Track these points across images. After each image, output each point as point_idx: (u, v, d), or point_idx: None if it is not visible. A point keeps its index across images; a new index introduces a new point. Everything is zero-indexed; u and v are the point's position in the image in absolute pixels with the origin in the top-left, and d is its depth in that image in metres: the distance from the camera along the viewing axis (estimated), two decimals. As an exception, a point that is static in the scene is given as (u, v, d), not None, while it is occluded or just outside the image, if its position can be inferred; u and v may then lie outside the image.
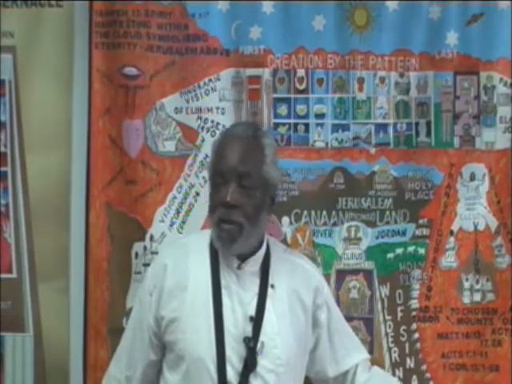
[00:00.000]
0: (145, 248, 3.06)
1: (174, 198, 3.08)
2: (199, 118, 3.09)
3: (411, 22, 3.14)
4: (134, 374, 2.41)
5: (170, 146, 3.09)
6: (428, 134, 3.17)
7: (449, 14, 3.15)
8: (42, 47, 3.05)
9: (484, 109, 3.18)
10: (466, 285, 3.16)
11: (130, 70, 3.06)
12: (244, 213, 2.27)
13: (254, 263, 2.35)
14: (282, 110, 3.14)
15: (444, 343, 3.15)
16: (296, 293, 2.38)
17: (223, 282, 2.32)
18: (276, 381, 2.29)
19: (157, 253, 3.00)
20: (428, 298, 3.15)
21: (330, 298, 2.51)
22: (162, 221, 3.07)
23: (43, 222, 3.05)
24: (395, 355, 3.14)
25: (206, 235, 2.41)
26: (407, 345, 3.14)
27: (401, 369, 3.14)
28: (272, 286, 2.35)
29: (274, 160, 2.36)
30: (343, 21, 3.14)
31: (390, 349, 3.13)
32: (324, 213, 3.14)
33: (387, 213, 3.16)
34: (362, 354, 2.54)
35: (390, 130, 3.16)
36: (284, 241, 3.06)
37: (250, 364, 2.26)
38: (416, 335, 3.14)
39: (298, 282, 2.40)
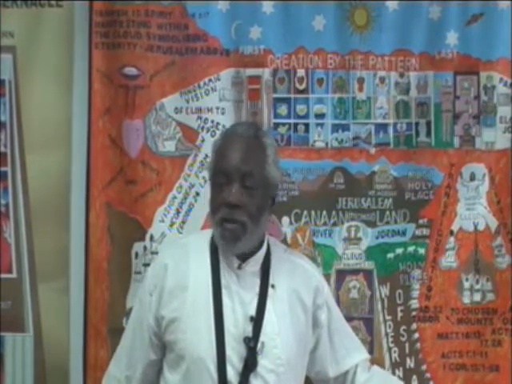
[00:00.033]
0: (145, 248, 3.06)
1: (174, 197, 3.08)
2: (199, 117, 3.09)
3: (411, 22, 3.14)
4: (134, 373, 2.41)
5: (169, 146, 3.09)
6: (428, 133, 3.17)
7: (449, 13, 3.15)
8: (42, 47, 3.05)
9: (484, 109, 3.18)
10: (466, 285, 3.16)
11: (130, 70, 3.06)
12: (247, 212, 2.27)
13: (255, 263, 2.35)
14: (282, 109, 3.14)
15: (444, 343, 3.15)
16: (296, 293, 2.38)
17: (223, 281, 2.33)
18: (276, 381, 2.29)
19: (157, 253, 3.00)
20: (428, 298, 3.15)
21: (330, 298, 2.51)
22: (162, 221, 3.07)
23: (43, 222, 3.05)
24: (395, 355, 3.14)
25: (206, 235, 2.41)
26: (407, 345, 3.14)
27: (401, 369, 3.14)
28: (272, 286, 2.35)
29: (275, 160, 2.36)
30: (343, 21, 3.14)
31: (390, 349, 3.13)
32: (324, 213, 3.14)
33: (387, 213, 3.16)
34: (362, 354, 2.54)
35: (390, 129, 3.16)
36: (284, 241, 3.06)
37: (250, 364, 2.27)
38: (416, 335, 3.14)
39: (298, 282, 2.40)
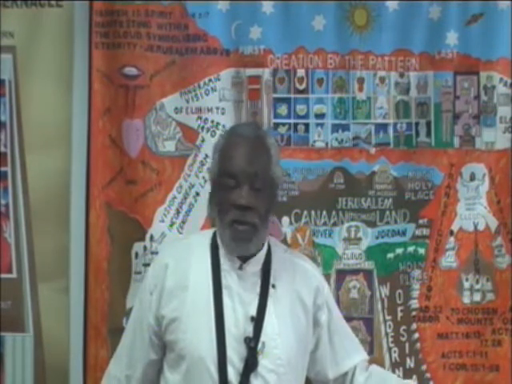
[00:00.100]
0: (145, 248, 3.06)
1: (174, 198, 3.08)
2: (199, 117, 3.09)
3: (411, 22, 3.14)
4: (134, 373, 2.41)
5: (169, 146, 3.09)
6: (428, 133, 3.17)
7: (449, 13, 3.15)
8: (42, 47, 3.05)
9: (484, 109, 3.18)
10: (466, 285, 3.16)
11: (130, 70, 3.06)
12: (257, 214, 2.28)
13: (256, 263, 2.35)
14: (282, 109, 3.14)
15: (444, 343, 3.15)
16: (297, 293, 2.39)
17: (224, 282, 2.33)
18: (277, 381, 2.29)
19: (157, 253, 3.00)
20: (428, 298, 3.15)
21: (330, 299, 2.51)
22: (162, 221, 3.07)
23: (43, 222, 3.05)
24: (395, 355, 3.14)
25: (207, 235, 2.41)
26: (407, 345, 3.14)
27: (401, 369, 3.14)
28: (273, 286, 2.35)
29: (278, 160, 2.37)
30: (343, 21, 3.14)
31: (390, 349, 3.14)
32: (324, 213, 3.14)
33: (387, 213, 3.16)
34: (361, 355, 2.54)
35: (390, 130, 3.16)
36: (284, 241, 3.06)
37: (250, 364, 2.27)
38: (416, 335, 3.14)
39: (298, 282, 2.40)
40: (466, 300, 3.16)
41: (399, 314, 3.14)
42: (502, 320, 3.15)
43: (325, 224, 3.14)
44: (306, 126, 3.14)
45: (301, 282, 2.41)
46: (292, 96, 3.14)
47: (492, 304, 3.16)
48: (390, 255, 3.15)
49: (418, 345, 3.14)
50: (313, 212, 3.13)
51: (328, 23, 3.13)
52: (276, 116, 3.14)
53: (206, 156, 3.04)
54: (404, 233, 3.16)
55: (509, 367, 3.14)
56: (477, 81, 3.18)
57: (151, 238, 3.06)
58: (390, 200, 3.16)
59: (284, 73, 3.13)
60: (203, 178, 3.05)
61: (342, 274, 3.14)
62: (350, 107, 3.15)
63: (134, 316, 2.45)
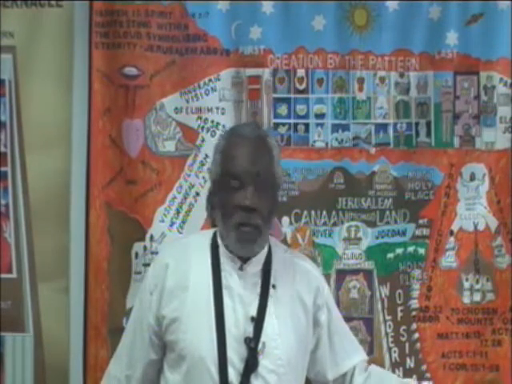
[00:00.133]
0: (145, 248, 3.06)
1: (174, 198, 3.08)
2: (199, 117, 3.09)
3: (411, 22, 3.15)
4: (134, 373, 2.40)
5: (169, 146, 3.09)
6: (428, 134, 3.17)
7: (449, 13, 3.15)
8: (42, 47, 3.05)
9: (484, 109, 3.19)
10: (466, 285, 3.16)
11: (130, 70, 3.06)
12: (261, 215, 2.27)
13: (256, 264, 2.35)
14: (282, 109, 3.14)
15: (444, 343, 3.15)
16: (297, 293, 2.38)
17: (224, 282, 2.32)
18: (277, 381, 2.29)
19: (157, 253, 3.00)
20: (428, 298, 3.15)
21: (330, 299, 2.51)
22: (162, 221, 3.07)
23: (43, 222, 3.05)
24: (395, 355, 3.14)
25: (207, 235, 2.41)
26: (407, 345, 3.14)
27: (401, 369, 3.14)
28: (273, 287, 2.35)
29: (279, 160, 2.37)
30: (343, 21, 3.14)
31: (390, 349, 3.14)
32: (324, 213, 3.14)
33: (387, 213, 3.16)
34: (360, 356, 2.53)
35: (390, 129, 3.17)
36: (284, 241, 3.06)
37: (251, 364, 2.26)
38: (416, 335, 3.15)
39: (299, 282, 2.40)
40: (466, 300, 3.16)
41: (399, 314, 3.15)
42: (502, 320, 3.16)
43: (325, 224, 3.14)
44: (306, 126, 3.14)
45: (301, 282, 2.40)
46: (292, 96, 3.14)
47: (492, 304, 3.16)
48: (390, 255, 3.15)
49: (418, 345, 3.14)
50: (313, 212, 3.13)
51: (328, 23, 3.13)
52: (276, 116, 3.14)
53: (206, 156, 3.04)
54: (404, 233, 3.16)
55: (509, 367, 3.14)
56: (477, 81, 3.18)
57: (151, 238, 3.06)
58: (390, 200, 3.16)
59: (284, 73, 3.14)
60: (203, 177, 3.05)
61: (341, 274, 3.14)
62: (349, 107, 3.15)
63: (134, 316, 2.44)
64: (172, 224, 3.07)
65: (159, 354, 2.38)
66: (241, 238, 2.28)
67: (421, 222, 3.16)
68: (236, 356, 2.26)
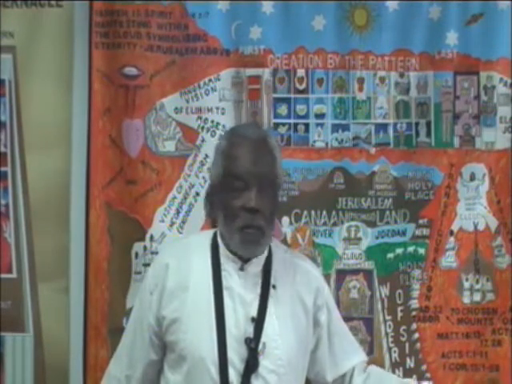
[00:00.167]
0: (145, 248, 3.06)
1: (174, 198, 3.08)
2: (199, 117, 3.09)
3: (411, 22, 3.14)
4: (134, 373, 2.40)
5: (169, 146, 3.09)
6: (428, 134, 3.17)
7: (449, 13, 3.15)
8: (42, 47, 3.05)
9: (484, 109, 3.18)
10: (466, 285, 3.16)
11: (130, 70, 3.06)
12: (264, 216, 2.27)
13: (257, 264, 2.35)
14: (282, 109, 3.14)
15: (444, 343, 3.15)
16: (297, 293, 2.38)
17: (225, 282, 2.32)
18: (277, 381, 2.29)
19: (157, 253, 3.00)
20: (428, 298, 3.15)
21: (330, 300, 2.51)
22: (162, 221, 3.07)
23: (43, 222, 3.05)
24: (395, 355, 3.14)
25: (207, 235, 2.41)
26: (407, 345, 3.14)
27: (401, 369, 3.14)
28: (274, 287, 2.35)
29: (280, 161, 2.37)
30: (343, 21, 3.14)
31: (390, 349, 3.14)
32: (324, 213, 3.14)
33: (387, 213, 3.16)
34: (359, 356, 2.53)
35: (390, 129, 3.16)
36: (284, 241, 3.06)
37: (251, 365, 2.26)
38: (416, 335, 3.14)
39: (299, 282, 2.40)
40: (466, 300, 3.16)
41: (399, 314, 3.15)
42: (502, 320, 3.16)
43: (325, 224, 3.14)
44: (306, 126, 3.14)
45: (301, 283, 2.40)
46: (292, 96, 3.14)
47: (492, 304, 3.16)
48: (390, 255, 3.15)
49: (418, 345, 3.14)
50: (313, 212, 3.13)
51: (328, 23, 3.13)
52: (276, 116, 3.14)
53: (206, 156, 3.04)
54: (404, 233, 3.16)
55: (509, 367, 3.14)
56: (477, 81, 3.18)
57: (151, 238, 3.06)
58: (390, 200, 3.16)
59: (284, 73, 3.14)
60: (203, 178, 3.05)
61: (341, 274, 3.14)
62: (349, 107, 3.15)
63: (134, 316, 2.44)
64: (172, 224, 3.07)
65: (159, 355, 2.38)
66: (245, 240, 2.28)
67: (421, 221, 3.16)
68: (236, 356, 2.26)
